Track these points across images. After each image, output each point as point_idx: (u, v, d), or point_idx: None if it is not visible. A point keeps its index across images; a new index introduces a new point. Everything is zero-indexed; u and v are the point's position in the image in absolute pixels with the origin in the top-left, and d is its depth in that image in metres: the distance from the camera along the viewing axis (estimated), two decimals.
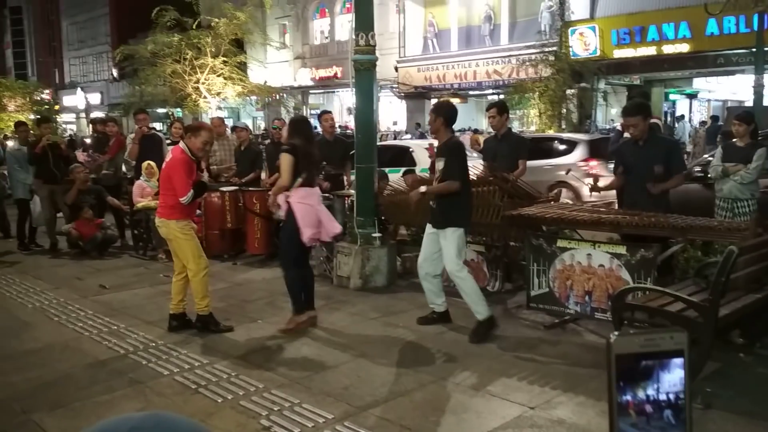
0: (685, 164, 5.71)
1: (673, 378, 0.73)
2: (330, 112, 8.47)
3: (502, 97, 19.37)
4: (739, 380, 4.15)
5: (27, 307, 6.23)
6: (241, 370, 4.52)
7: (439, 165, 5.17)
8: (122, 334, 5.34)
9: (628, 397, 0.72)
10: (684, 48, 17.35)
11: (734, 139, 6.63)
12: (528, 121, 18.57)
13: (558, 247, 5.34)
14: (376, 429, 3.61)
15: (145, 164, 8.57)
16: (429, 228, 5.35)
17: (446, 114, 5.22)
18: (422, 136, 21.54)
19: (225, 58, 18.71)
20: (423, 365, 4.60)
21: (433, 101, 25.28)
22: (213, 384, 4.27)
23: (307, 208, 5.26)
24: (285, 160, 5.24)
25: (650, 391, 0.73)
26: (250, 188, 8.26)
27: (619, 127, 7.60)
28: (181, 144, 5.36)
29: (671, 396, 0.73)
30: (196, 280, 5.30)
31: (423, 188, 5.30)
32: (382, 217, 7.22)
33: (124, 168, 10.20)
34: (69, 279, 7.34)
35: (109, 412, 3.85)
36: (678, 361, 0.73)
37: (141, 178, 8.63)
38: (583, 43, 18.86)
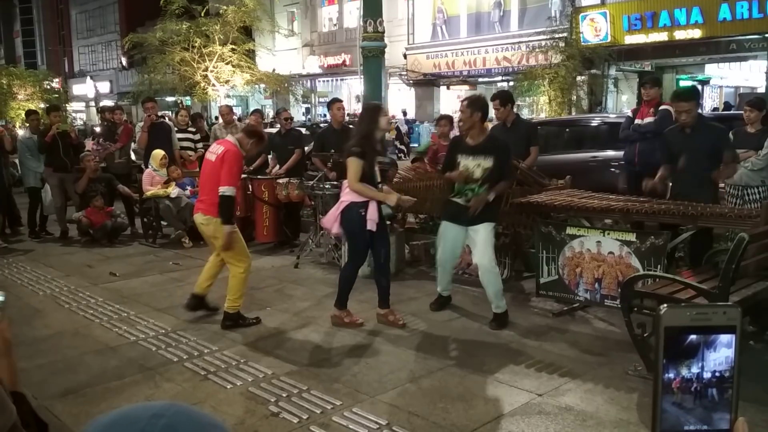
0: (736, 151, 5.54)
1: (721, 355, 0.70)
2: (341, 101, 8.41)
3: (511, 84, 19.25)
4: (749, 368, 4.13)
5: (38, 294, 6.28)
6: (250, 356, 4.54)
7: (486, 163, 4.96)
8: (132, 321, 5.37)
9: (671, 374, 0.70)
10: (696, 34, 17.16)
11: (745, 126, 6.57)
12: (538, 108, 18.46)
13: (567, 235, 5.32)
14: (384, 416, 3.62)
15: (159, 155, 8.58)
16: (452, 224, 5.21)
17: (484, 109, 5.10)
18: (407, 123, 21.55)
19: (233, 46, 18.67)
20: (431, 352, 4.61)
21: (443, 88, 25.24)
22: (222, 370, 4.30)
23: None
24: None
25: (697, 368, 0.70)
26: (259, 176, 8.27)
27: (629, 113, 7.50)
28: (232, 139, 5.11)
29: (718, 374, 0.71)
30: (242, 277, 5.12)
31: (491, 195, 4.98)
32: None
33: (133, 156, 10.24)
34: (79, 266, 7.39)
35: (119, 398, 3.89)
36: (729, 337, 0.71)
37: (150, 166, 8.66)
38: (594, 29, 18.69)
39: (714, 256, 4.92)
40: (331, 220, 5.09)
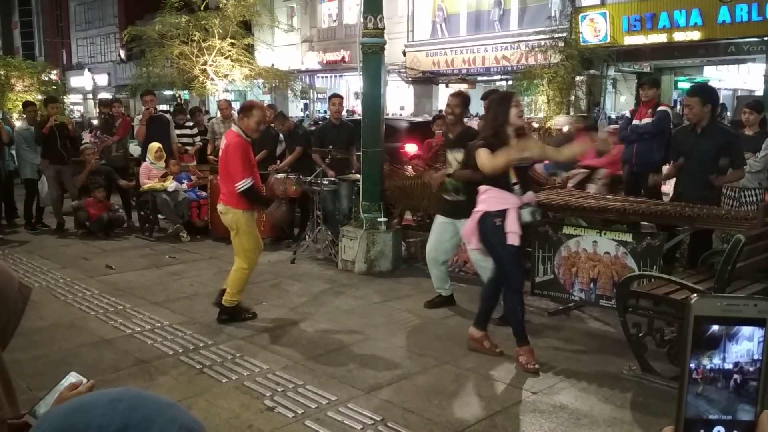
0: (744, 158, 5.53)
1: (748, 348, 0.71)
2: (339, 96, 8.34)
3: (510, 83, 19.26)
4: None
5: (34, 286, 6.27)
6: (245, 351, 4.55)
7: (459, 155, 4.99)
8: (128, 314, 5.37)
9: (698, 364, 0.71)
10: (695, 36, 17.18)
11: (744, 128, 6.59)
12: (536, 107, 18.45)
13: (564, 234, 5.33)
14: (379, 411, 3.63)
15: (155, 147, 8.56)
16: (442, 218, 5.32)
17: (469, 104, 5.28)
18: None
19: (233, 40, 18.61)
20: (426, 349, 4.62)
21: (441, 86, 25.21)
22: (217, 364, 4.30)
23: None
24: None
25: (724, 359, 0.71)
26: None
27: (627, 114, 7.52)
28: (234, 127, 5.18)
29: (745, 366, 0.71)
30: (239, 274, 5.14)
31: (450, 170, 5.03)
32: (388, 202, 7.21)
33: (131, 149, 10.22)
34: (75, 259, 7.38)
35: None
36: (757, 330, 0.71)
37: (147, 159, 8.64)
38: (594, 30, 18.69)
39: (710, 258, 4.93)
40: (468, 233, 4.43)
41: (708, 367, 0.71)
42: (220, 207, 5.23)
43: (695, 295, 0.72)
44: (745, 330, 0.71)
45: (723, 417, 0.71)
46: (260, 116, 5.08)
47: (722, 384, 0.71)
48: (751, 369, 0.71)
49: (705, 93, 5.35)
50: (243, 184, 4.93)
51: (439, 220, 5.37)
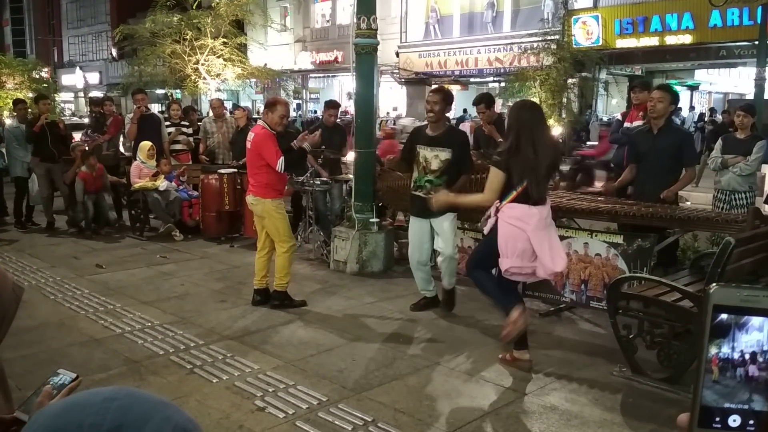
0: (697, 157, 5.67)
1: (758, 338, 0.72)
2: (335, 108, 8.26)
3: (503, 85, 19.31)
4: None
5: (23, 285, 6.22)
6: (236, 351, 4.53)
7: (443, 154, 5.00)
8: (118, 314, 5.34)
9: (714, 353, 0.72)
10: (687, 39, 17.30)
11: (734, 132, 6.63)
12: None
13: None
14: (370, 412, 3.63)
15: (146, 146, 8.51)
16: (416, 219, 5.29)
17: (451, 101, 5.27)
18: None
19: (225, 40, 18.55)
20: (417, 350, 4.62)
21: (434, 87, 25.27)
22: (208, 364, 4.29)
23: (515, 233, 3.99)
24: (492, 176, 4.06)
25: (740, 348, 0.72)
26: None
27: (619, 117, 7.56)
28: (260, 121, 5.50)
29: (760, 356, 0.72)
30: (285, 256, 5.45)
31: (457, 199, 4.60)
32: (380, 203, 7.21)
33: (122, 148, 10.17)
34: (65, 258, 7.34)
35: None
36: (766, 322, 0.72)
37: (138, 158, 8.59)
38: (586, 32, 18.78)
39: (700, 260, 4.96)
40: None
41: (727, 355, 0.72)
42: (249, 198, 5.50)
43: (714, 284, 0.72)
44: (755, 321, 0.71)
45: (739, 406, 0.72)
46: (283, 110, 5.45)
47: (738, 373, 0.72)
48: (764, 359, 0.72)
49: (674, 94, 5.58)
50: (280, 163, 5.23)
51: (415, 224, 5.32)
